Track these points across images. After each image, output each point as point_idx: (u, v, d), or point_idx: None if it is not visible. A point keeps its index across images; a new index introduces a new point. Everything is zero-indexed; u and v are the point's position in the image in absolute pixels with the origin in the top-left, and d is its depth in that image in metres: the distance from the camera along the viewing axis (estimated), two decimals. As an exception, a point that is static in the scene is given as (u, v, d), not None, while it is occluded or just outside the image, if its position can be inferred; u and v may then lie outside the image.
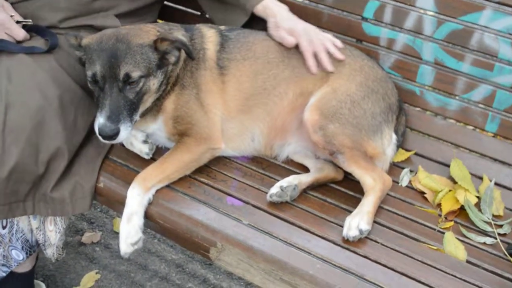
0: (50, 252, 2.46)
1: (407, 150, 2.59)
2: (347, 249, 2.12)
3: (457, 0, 2.49)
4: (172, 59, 2.28)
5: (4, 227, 2.39)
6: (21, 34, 2.38)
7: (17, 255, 2.44)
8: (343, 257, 2.08)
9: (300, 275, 2.03)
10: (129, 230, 2.17)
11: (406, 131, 2.62)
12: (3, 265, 2.44)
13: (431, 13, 2.54)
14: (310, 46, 2.43)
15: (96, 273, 3.14)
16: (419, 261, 2.10)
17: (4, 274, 2.46)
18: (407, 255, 2.11)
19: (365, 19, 2.66)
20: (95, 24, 2.55)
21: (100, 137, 2.14)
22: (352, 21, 2.69)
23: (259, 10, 2.56)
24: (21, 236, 2.42)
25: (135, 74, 2.16)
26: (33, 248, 2.50)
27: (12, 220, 2.37)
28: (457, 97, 2.58)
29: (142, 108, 2.26)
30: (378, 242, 2.16)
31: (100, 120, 2.12)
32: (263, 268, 2.09)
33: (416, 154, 2.58)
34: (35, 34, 2.45)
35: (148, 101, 2.28)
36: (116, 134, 2.13)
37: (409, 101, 2.67)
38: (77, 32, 2.42)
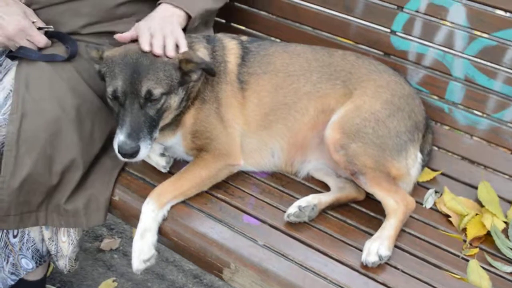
0: (62, 263, 2.45)
1: (433, 170, 2.51)
2: (365, 275, 2.05)
3: (490, 15, 2.39)
4: (194, 77, 2.24)
5: (15, 236, 2.39)
6: (42, 41, 2.37)
7: (27, 264, 2.44)
8: (360, 283, 2.02)
9: (315, 301, 1.98)
10: (142, 247, 2.14)
11: (433, 150, 2.54)
12: (12, 273, 2.44)
13: (463, 27, 2.44)
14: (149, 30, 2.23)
15: (113, 281, 3.13)
16: (441, 290, 2.03)
17: (13, 283, 2.47)
18: (427, 284, 2.04)
19: (393, 32, 2.58)
20: (117, 30, 2.51)
21: (119, 155, 2.12)
22: (381, 34, 2.61)
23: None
24: (31, 246, 2.41)
25: (157, 92, 2.13)
26: (43, 258, 2.50)
27: (24, 230, 2.36)
28: (487, 116, 2.49)
29: (161, 125, 2.23)
30: (398, 269, 2.09)
31: (120, 138, 2.09)
32: (277, 292, 2.04)
33: (442, 174, 2.50)
34: (57, 40, 2.43)
35: (168, 118, 2.25)
36: (136, 152, 2.10)
37: (437, 119, 2.58)
38: (98, 45, 2.41)
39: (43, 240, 2.43)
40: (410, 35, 2.55)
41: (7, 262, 2.40)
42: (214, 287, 3.12)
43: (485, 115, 2.50)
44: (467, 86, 2.50)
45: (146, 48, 2.16)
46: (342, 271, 2.06)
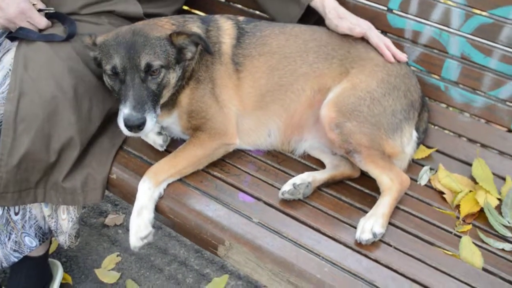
0: (62, 239, 2.44)
1: (428, 147, 2.46)
2: (358, 252, 2.03)
3: (486, -8, 2.31)
4: (188, 54, 2.21)
5: (16, 213, 2.38)
6: (42, 22, 2.33)
7: (30, 242, 2.43)
8: (353, 260, 1.99)
9: (307, 278, 1.95)
10: (139, 224, 2.12)
11: (429, 127, 2.49)
12: (15, 250, 2.43)
13: (459, 5, 2.37)
14: (380, 39, 2.37)
15: (117, 255, 3.13)
16: (433, 267, 1.99)
17: (16, 260, 2.45)
18: (420, 260, 2.01)
19: (390, 10, 2.52)
20: (117, 9, 2.49)
21: (125, 130, 2.07)
22: (377, 12, 2.54)
23: (316, 3, 2.47)
24: (34, 223, 2.40)
25: (157, 63, 2.10)
26: (46, 235, 2.49)
27: (25, 207, 2.35)
28: (483, 94, 2.43)
29: (160, 102, 2.19)
30: (391, 245, 2.06)
31: (125, 111, 2.05)
32: (271, 269, 2.01)
33: (437, 151, 2.46)
34: (56, 20, 2.39)
35: (166, 96, 2.22)
36: (142, 124, 2.05)
37: (433, 96, 2.53)
38: (97, 24, 2.38)
39: (44, 217, 2.42)
40: (407, 13, 2.48)
41: (9, 239, 2.39)
42: (215, 261, 3.11)
43: (480, 93, 2.43)
44: (463, 64, 2.43)
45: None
46: (335, 248, 2.03)
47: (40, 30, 2.35)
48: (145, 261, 3.11)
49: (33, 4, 2.32)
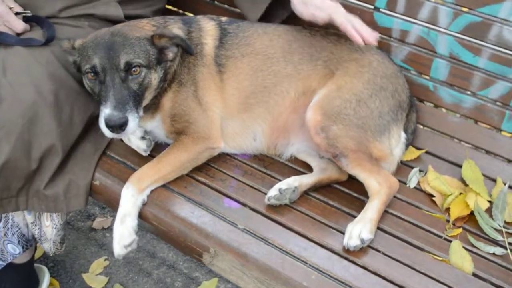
0: (47, 246, 2.38)
1: (417, 148, 2.39)
2: (346, 258, 1.96)
3: (475, -10, 2.24)
4: (170, 55, 2.14)
5: None
6: (20, 26, 2.25)
7: (13, 249, 2.37)
8: (340, 267, 1.92)
9: (294, 286, 1.89)
10: (122, 232, 2.05)
11: (418, 128, 2.42)
12: None
13: (447, 3, 2.30)
14: (347, 19, 2.18)
15: (105, 259, 3.06)
16: (422, 273, 1.93)
17: None
18: (409, 267, 1.95)
19: (377, 8, 2.44)
20: (97, 13, 2.41)
21: (107, 131, 1.99)
22: (364, 11, 2.47)
23: None
24: (17, 231, 2.33)
25: (136, 61, 2.03)
26: (30, 242, 2.43)
27: (7, 215, 2.29)
28: (472, 94, 2.36)
29: (143, 104, 2.12)
30: (379, 251, 2.00)
31: (106, 111, 1.97)
32: (256, 277, 1.95)
33: (427, 152, 2.39)
34: (35, 24, 2.31)
35: (148, 98, 2.14)
36: (124, 123, 1.97)
37: (422, 97, 2.46)
38: (76, 27, 2.32)
39: (27, 225, 2.35)
40: (394, 11, 2.41)
41: None
42: (204, 265, 3.03)
43: (470, 93, 2.37)
44: (451, 64, 2.36)
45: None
46: (322, 255, 1.96)
47: (18, 34, 2.27)
48: (133, 265, 3.05)
49: (10, 8, 2.24)
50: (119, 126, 1.97)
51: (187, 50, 2.14)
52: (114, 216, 3.24)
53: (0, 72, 2.13)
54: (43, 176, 2.15)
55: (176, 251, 3.11)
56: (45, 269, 2.86)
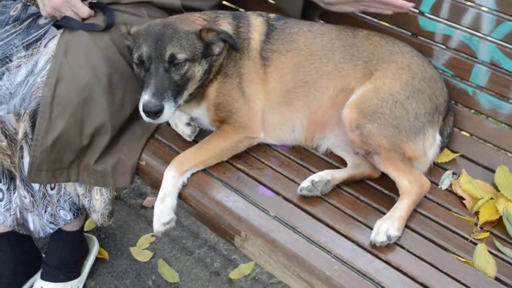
0: (95, 217, 2.45)
1: (453, 151, 2.32)
2: (370, 252, 1.93)
3: (519, -2, 2.15)
4: (216, 50, 2.15)
5: (52, 188, 2.39)
6: (85, 12, 2.33)
7: (65, 215, 2.45)
8: (363, 260, 1.90)
9: (317, 274, 1.87)
10: (162, 210, 2.09)
11: (454, 132, 2.35)
12: (51, 222, 2.46)
13: (490, 10, 2.22)
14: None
15: (152, 236, 3.13)
16: (444, 272, 1.88)
17: (51, 231, 2.48)
18: (432, 265, 1.90)
19: (422, 13, 2.38)
20: (155, 0, 2.46)
21: (144, 115, 2.04)
22: (409, 15, 2.41)
23: None
24: (68, 199, 2.41)
25: (181, 56, 2.06)
26: (80, 211, 2.50)
27: (60, 184, 2.36)
28: (511, 101, 2.27)
29: (185, 94, 2.15)
30: (404, 248, 1.96)
31: (145, 97, 2.02)
32: (283, 262, 1.95)
33: (461, 156, 2.31)
34: (99, 10, 2.38)
35: (191, 88, 2.16)
36: (160, 111, 2.01)
37: (460, 101, 2.38)
38: (136, 15, 2.35)
39: (78, 195, 2.43)
40: (438, 16, 2.34)
41: (45, 212, 2.41)
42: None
43: (508, 100, 2.27)
44: (492, 70, 2.27)
45: None
46: (347, 247, 1.94)
47: (84, 19, 2.34)
48: (177, 243, 3.10)
49: None
50: (154, 113, 2.01)
51: (233, 46, 2.15)
52: (163, 196, 3.32)
53: (61, 53, 2.21)
54: (93, 152, 2.21)
55: (218, 233, 3.14)
56: (95, 239, 2.96)
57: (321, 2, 2.38)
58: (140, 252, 3.04)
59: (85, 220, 2.76)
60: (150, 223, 3.21)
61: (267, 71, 2.23)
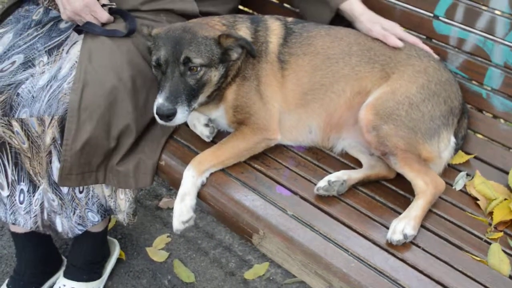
0: (121, 217, 2.50)
1: (467, 153, 2.36)
2: (386, 250, 1.97)
3: (534, 2, 2.19)
4: (234, 56, 2.21)
5: (81, 192, 2.44)
6: (105, 16, 2.38)
7: (93, 217, 2.50)
8: (380, 258, 1.94)
9: (334, 271, 1.92)
10: (182, 209, 2.14)
11: (468, 134, 2.39)
12: (79, 224, 2.51)
13: (505, 14, 2.26)
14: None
15: (167, 236, 3.18)
16: (459, 271, 1.91)
17: (80, 232, 2.53)
18: (447, 263, 1.94)
19: (436, 16, 2.42)
20: (175, 8, 2.52)
21: (157, 117, 2.10)
22: (424, 18, 2.46)
23: (345, 7, 2.46)
24: (96, 201, 2.46)
25: (197, 61, 2.11)
26: (107, 212, 2.55)
27: (88, 186, 2.42)
28: (524, 104, 2.31)
29: (201, 97, 2.20)
30: (419, 247, 1.99)
31: (159, 100, 2.08)
32: (300, 260, 1.99)
33: (475, 158, 2.35)
34: (119, 16, 2.44)
35: (208, 92, 2.22)
36: (172, 114, 2.07)
37: (475, 104, 2.42)
38: (155, 21, 2.41)
39: (105, 196, 2.48)
40: (452, 20, 2.38)
41: (74, 214, 2.47)
42: (257, 249, 3.08)
43: (522, 102, 2.32)
44: (506, 73, 2.31)
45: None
46: (363, 245, 1.98)
47: (103, 24, 2.40)
48: (192, 244, 3.15)
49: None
50: (167, 116, 2.07)
51: (250, 52, 2.21)
52: (178, 197, 3.37)
53: (86, 59, 2.26)
54: (118, 154, 2.27)
55: (233, 234, 3.19)
56: (116, 242, 3.01)
57: (357, 20, 2.45)
58: (156, 252, 3.09)
59: (109, 222, 2.81)
60: (165, 224, 3.27)
61: (284, 74, 2.28)
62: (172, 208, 3.27)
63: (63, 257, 2.96)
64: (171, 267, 3.02)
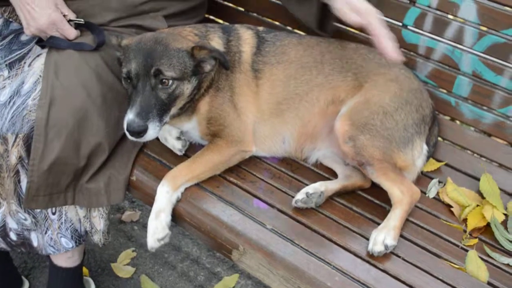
0: (97, 238, 2.41)
1: (437, 161, 2.39)
2: (368, 262, 1.97)
3: (500, 13, 2.24)
4: (207, 68, 2.15)
5: (53, 213, 2.33)
6: (72, 34, 2.27)
7: (67, 243, 2.39)
8: (362, 270, 1.94)
9: (318, 286, 1.91)
10: (157, 226, 2.07)
11: (438, 141, 2.42)
12: (50, 245, 2.39)
13: (473, 24, 2.30)
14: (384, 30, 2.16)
15: (133, 251, 3.09)
16: (439, 279, 1.94)
17: (51, 253, 2.41)
18: (427, 273, 1.96)
19: (405, 26, 2.45)
20: (144, 24, 2.44)
21: (127, 133, 2.03)
22: (393, 27, 2.46)
23: None
24: (70, 226, 2.35)
25: (169, 74, 2.04)
26: (82, 238, 2.44)
27: (61, 209, 2.31)
28: (492, 111, 2.36)
29: (173, 110, 2.14)
30: (399, 257, 2.01)
31: (130, 116, 2.00)
32: (282, 275, 1.97)
33: (446, 165, 2.39)
34: (86, 29, 2.34)
35: (179, 104, 2.16)
36: (143, 131, 2.00)
37: (444, 111, 2.46)
38: (118, 33, 2.32)
39: (80, 220, 2.38)
40: (421, 29, 2.41)
41: (45, 233, 2.35)
42: (226, 261, 3.06)
43: (490, 110, 2.37)
44: (474, 81, 2.36)
45: None
46: (346, 258, 1.98)
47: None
48: (159, 258, 3.07)
49: (64, 15, 2.26)
50: (137, 133, 2.00)
51: (224, 64, 2.16)
52: (142, 210, 3.31)
53: (52, 73, 2.16)
54: (88, 172, 2.18)
55: (200, 246, 3.13)
56: (91, 281, 2.88)
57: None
58: (122, 268, 3.00)
59: (85, 254, 2.69)
60: (129, 238, 3.18)
61: (259, 84, 2.25)
62: (136, 221, 3.26)
63: (24, 278, 2.83)
64: (137, 283, 2.94)
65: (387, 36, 2.14)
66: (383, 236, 1.98)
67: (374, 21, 2.15)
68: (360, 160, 2.13)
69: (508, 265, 2.03)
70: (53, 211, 2.31)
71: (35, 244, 2.40)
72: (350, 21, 2.19)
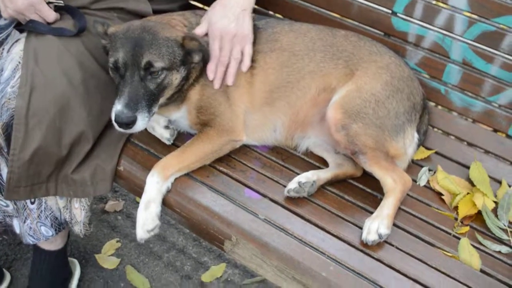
0: (78, 229, 2.34)
1: (427, 149, 2.39)
2: (362, 251, 1.96)
3: (490, 1, 2.23)
4: (196, 58, 2.11)
5: (32, 203, 2.27)
6: (51, 16, 2.19)
7: (46, 232, 2.33)
8: (357, 259, 1.93)
9: (313, 276, 1.88)
10: (146, 217, 2.03)
11: (428, 129, 2.42)
12: (30, 235, 2.33)
13: (463, 12, 2.29)
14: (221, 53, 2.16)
15: (117, 241, 3.04)
16: (433, 267, 1.94)
17: (31, 242, 2.36)
18: (421, 261, 1.96)
19: (395, 13, 2.42)
20: (127, 7, 2.36)
21: (116, 125, 1.98)
22: (382, 15, 2.45)
23: None
24: (49, 214, 2.29)
25: (158, 65, 1.99)
26: (62, 225, 2.39)
27: (41, 198, 2.24)
28: (482, 99, 2.36)
29: (161, 100, 2.09)
30: (393, 245, 2.00)
31: (118, 107, 1.95)
32: (276, 265, 1.94)
33: (436, 153, 2.38)
34: (66, 13, 2.26)
35: (168, 94, 2.11)
36: (132, 122, 1.95)
37: (433, 99, 2.46)
38: (106, 19, 2.25)
39: (60, 208, 2.31)
40: (411, 17, 2.39)
41: (24, 223, 2.29)
42: (212, 250, 3.03)
43: (480, 98, 2.37)
44: (464, 69, 2.36)
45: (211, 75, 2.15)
46: (339, 247, 1.96)
47: (49, 23, 2.21)
48: (144, 248, 3.02)
49: None
50: (126, 124, 1.95)
51: (204, 59, 2.13)
52: (126, 200, 3.25)
53: (32, 60, 2.08)
54: (72, 162, 2.12)
55: (186, 236, 3.09)
56: (76, 261, 2.83)
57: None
58: (106, 259, 2.94)
59: (68, 237, 2.63)
60: (113, 228, 3.12)
61: (253, 73, 2.21)
62: (120, 211, 3.21)
63: (5, 271, 2.76)
64: (123, 274, 2.89)
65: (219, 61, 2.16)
66: (377, 225, 1.97)
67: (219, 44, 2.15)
68: (352, 149, 2.11)
69: (499, 252, 2.04)
70: (32, 200, 2.26)
71: (17, 231, 2.34)
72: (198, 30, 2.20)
